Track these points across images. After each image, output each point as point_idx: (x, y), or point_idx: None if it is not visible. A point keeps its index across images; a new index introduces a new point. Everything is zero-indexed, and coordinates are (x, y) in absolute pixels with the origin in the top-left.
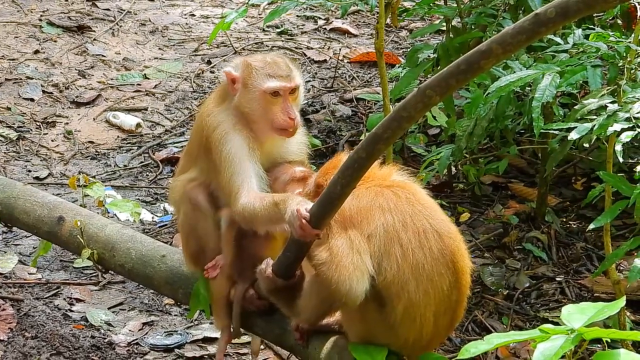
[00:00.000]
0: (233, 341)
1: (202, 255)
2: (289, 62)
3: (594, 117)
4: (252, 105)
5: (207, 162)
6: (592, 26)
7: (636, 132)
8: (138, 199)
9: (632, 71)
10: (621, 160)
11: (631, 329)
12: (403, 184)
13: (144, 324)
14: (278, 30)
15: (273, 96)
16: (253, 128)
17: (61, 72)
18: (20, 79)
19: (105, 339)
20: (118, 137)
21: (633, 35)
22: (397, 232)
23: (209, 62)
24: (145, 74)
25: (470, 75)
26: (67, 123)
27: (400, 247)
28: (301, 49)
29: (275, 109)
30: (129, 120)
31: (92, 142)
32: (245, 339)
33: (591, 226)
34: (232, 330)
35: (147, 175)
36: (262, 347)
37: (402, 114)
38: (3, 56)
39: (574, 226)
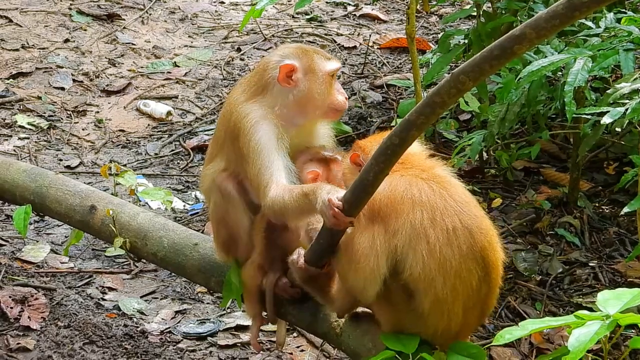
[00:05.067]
0: (265, 329)
1: (233, 244)
2: None
3: (627, 101)
4: (320, 89)
5: (233, 152)
6: (623, 10)
7: None
8: (169, 187)
9: None
10: None
11: None
12: (441, 177)
13: (176, 312)
14: (308, 17)
15: (332, 78)
16: (304, 115)
17: (91, 61)
18: (51, 67)
19: (137, 327)
20: (149, 125)
21: None
22: (424, 228)
23: (238, 50)
24: (175, 62)
25: (503, 61)
26: (97, 112)
27: (426, 244)
28: (331, 35)
29: (333, 91)
30: (159, 109)
31: (122, 131)
32: (270, 327)
33: (624, 210)
34: (265, 317)
35: (178, 163)
36: (294, 335)
37: (435, 100)
38: (33, 45)
39: (607, 211)
